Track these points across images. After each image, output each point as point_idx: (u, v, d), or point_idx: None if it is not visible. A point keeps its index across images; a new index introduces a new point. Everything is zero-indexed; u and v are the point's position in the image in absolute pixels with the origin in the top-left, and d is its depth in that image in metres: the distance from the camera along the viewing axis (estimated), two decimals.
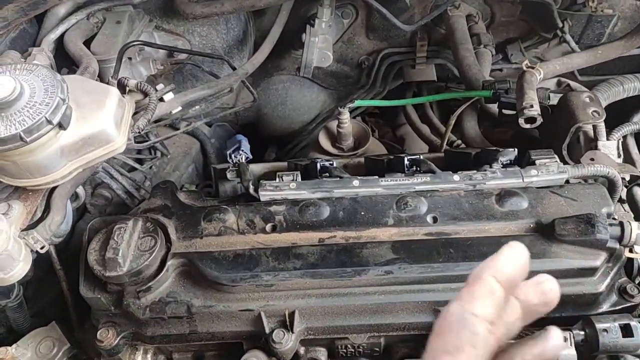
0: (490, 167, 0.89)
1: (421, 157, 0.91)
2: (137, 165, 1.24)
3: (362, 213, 0.83)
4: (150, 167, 1.31)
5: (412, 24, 1.32)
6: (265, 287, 0.77)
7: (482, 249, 0.78)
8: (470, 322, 0.36)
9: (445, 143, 1.24)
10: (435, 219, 0.82)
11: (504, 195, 0.83)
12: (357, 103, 1.15)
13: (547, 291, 0.43)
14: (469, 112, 1.24)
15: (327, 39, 1.27)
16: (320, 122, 1.58)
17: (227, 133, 1.70)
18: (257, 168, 1.04)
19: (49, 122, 0.68)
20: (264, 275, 0.77)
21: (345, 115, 1.18)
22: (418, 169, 0.90)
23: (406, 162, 0.90)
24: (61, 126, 0.70)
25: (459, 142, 1.28)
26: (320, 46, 1.24)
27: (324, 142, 1.27)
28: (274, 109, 1.59)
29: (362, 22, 1.39)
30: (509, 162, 0.90)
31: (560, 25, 1.24)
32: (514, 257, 0.40)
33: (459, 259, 0.77)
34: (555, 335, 0.42)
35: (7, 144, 0.67)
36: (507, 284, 0.39)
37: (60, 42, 1.08)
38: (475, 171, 0.87)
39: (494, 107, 1.20)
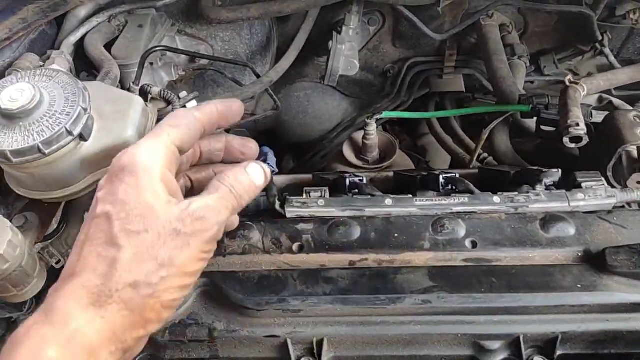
0: (533, 188, 0.83)
1: (457, 174, 0.86)
2: None
3: (396, 235, 0.78)
4: None
5: (441, 32, 1.27)
6: (293, 312, 0.72)
7: (528, 280, 0.72)
8: (189, 113, 0.57)
9: (475, 158, 1.19)
10: (474, 244, 0.77)
11: (549, 220, 0.77)
12: (385, 114, 1.10)
13: (248, 146, 0.70)
14: (500, 126, 1.18)
15: (354, 47, 1.23)
16: (341, 131, 1.54)
17: None
18: (279, 180, 0.99)
19: (70, 133, 0.64)
20: (292, 300, 0.72)
21: (372, 127, 1.14)
22: (454, 187, 0.85)
23: (441, 180, 0.85)
24: (82, 137, 0.66)
25: (485, 155, 1.23)
26: (346, 54, 1.20)
27: (348, 153, 1.22)
28: (294, 116, 1.55)
29: (389, 29, 1.34)
30: (552, 183, 0.84)
31: (600, 38, 1.18)
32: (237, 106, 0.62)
33: (503, 289, 0.71)
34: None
35: (25, 156, 0.63)
36: (223, 118, 0.61)
37: (80, 45, 1.04)
38: (517, 193, 0.81)
39: (528, 122, 1.14)
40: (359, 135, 1.23)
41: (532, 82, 1.37)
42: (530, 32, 1.32)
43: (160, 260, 0.48)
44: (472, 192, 0.82)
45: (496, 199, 0.81)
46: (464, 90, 1.40)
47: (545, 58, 1.34)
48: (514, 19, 1.29)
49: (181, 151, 0.56)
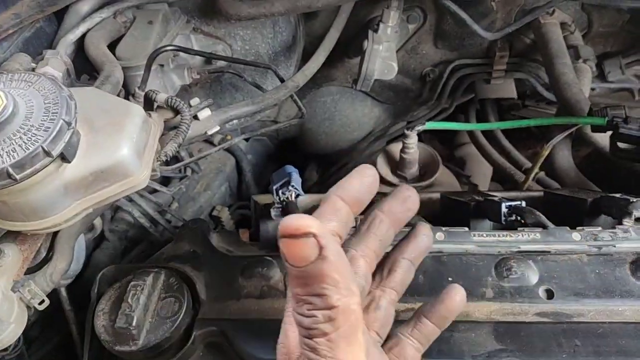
0: (619, 222, 0.67)
1: (523, 203, 0.70)
2: (163, 189, 1.08)
3: (450, 279, 0.63)
4: (179, 188, 1.14)
5: (492, 31, 1.11)
6: None
7: (620, 342, 0.57)
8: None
9: (531, 178, 1.03)
10: (550, 294, 0.61)
11: None
12: (429, 125, 0.95)
13: (407, 198, 0.49)
14: (562, 140, 1.02)
15: (392, 48, 1.08)
16: (372, 141, 1.39)
17: (265, 148, 1.54)
18: (303, 200, 0.85)
19: (47, 153, 0.50)
20: None
21: (413, 139, 0.99)
22: (520, 219, 0.69)
23: (504, 209, 0.69)
24: (64, 158, 0.53)
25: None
26: (383, 55, 1.05)
27: (383, 168, 1.07)
28: (320, 124, 1.41)
29: (431, 27, 1.19)
30: None
31: None
32: (362, 177, 0.44)
33: (590, 355, 0.56)
34: (423, 229, 0.53)
35: None
36: (354, 201, 0.43)
37: (81, 44, 0.92)
38: (600, 228, 0.66)
39: (595, 137, 0.98)
40: (395, 148, 1.08)
41: (592, 89, 1.20)
42: (594, 33, 1.15)
43: None
44: (544, 226, 0.66)
45: (575, 235, 0.65)
46: (515, 96, 1.24)
47: (610, 62, 1.17)
48: (576, 17, 1.13)
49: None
